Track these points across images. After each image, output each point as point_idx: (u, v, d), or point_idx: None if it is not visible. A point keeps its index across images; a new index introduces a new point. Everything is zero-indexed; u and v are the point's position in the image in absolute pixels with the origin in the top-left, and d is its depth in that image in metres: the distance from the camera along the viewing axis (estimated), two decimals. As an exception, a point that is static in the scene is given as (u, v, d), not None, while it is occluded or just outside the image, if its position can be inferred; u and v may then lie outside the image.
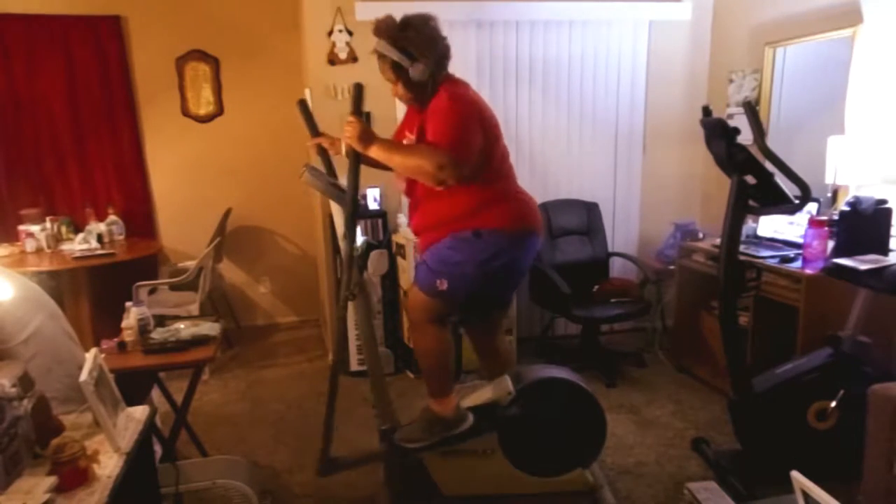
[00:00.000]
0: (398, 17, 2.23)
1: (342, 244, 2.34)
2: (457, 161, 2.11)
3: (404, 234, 3.83)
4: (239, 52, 4.73)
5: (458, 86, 2.26)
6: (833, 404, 2.62)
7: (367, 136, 2.19)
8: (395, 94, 2.33)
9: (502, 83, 4.17)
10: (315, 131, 2.49)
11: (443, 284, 2.26)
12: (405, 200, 3.52)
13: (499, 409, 2.45)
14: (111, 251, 4.12)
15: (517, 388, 2.48)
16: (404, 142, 2.40)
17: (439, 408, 2.38)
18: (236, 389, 3.93)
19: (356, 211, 2.29)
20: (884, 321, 2.83)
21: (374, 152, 2.20)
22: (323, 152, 2.49)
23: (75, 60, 4.43)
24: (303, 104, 2.42)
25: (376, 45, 2.22)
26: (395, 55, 2.18)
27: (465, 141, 2.14)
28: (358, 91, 2.18)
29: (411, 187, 2.38)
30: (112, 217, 4.46)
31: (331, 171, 2.48)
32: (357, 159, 2.24)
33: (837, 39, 3.41)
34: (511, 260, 2.32)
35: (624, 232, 4.56)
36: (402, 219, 3.92)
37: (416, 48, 2.17)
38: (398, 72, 2.22)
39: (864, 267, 2.48)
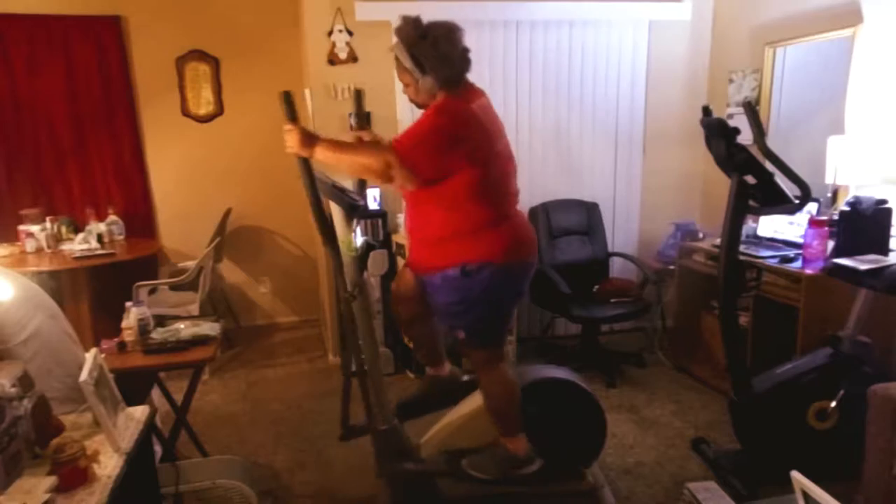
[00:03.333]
0: (417, 16, 2.16)
1: (342, 245, 2.33)
2: (405, 164, 2.04)
3: (404, 233, 3.82)
4: (239, 52, 4.73)
5: (457, 99, 2.15)
6: (833, 404, 2.62)
7: (309, 140, 2.11)
8: (406, 94, 2.29)
9: (502, 83, 4.17)
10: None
11: (461, 334, 2.26)
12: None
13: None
14: (111, 251, 4.12)
15: (517, 389, 2.48)
16: None
17: (512, 446, 2.34)
18: (236, 389, 3.93)
19: (324, 219, 2.25)
20: (884, 321, 2.83)
21: (320, 154, 2.12)
22: None
23: (75, 60, 4.43)
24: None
25: (394, 46, 2.18)
26: (407, 63, 2.14)
27: (420, 148, 2.07)
28: (288, 98, 2.10)
29: (406, 192, 2.31)
30: (112, 217, 4.45)
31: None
32: (307, 166, 2.19)
33: (837, 39, 3.41)
34: (506, 290, 2.25)
35: (624, 232, 4.56)
36: (402, 219, 3.91)
37: (427, 62, 2.11)
38: (409, 77, 2.18)
39: (864, 267, 2.48)
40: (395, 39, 2.18)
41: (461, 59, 2.17)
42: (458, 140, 2.08)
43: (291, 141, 2.11)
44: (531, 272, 2.31)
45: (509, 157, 2.29)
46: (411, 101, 2.29)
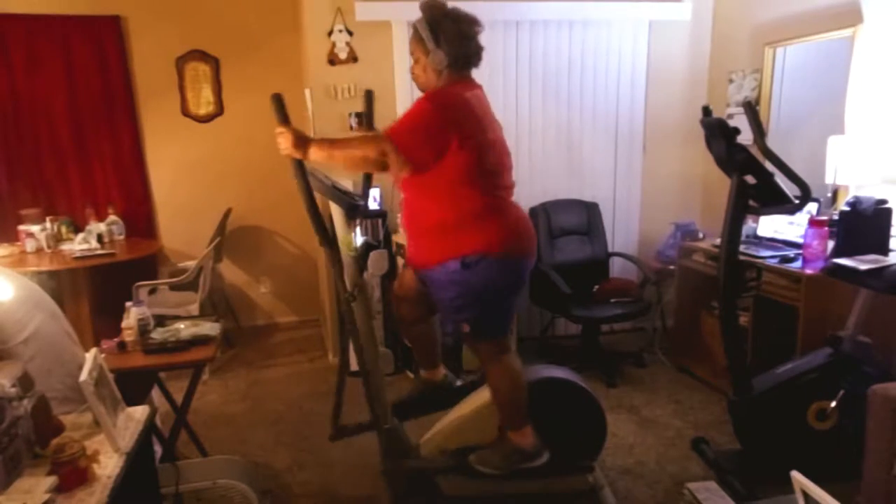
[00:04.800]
0: (415, 13, 2.21)
1: (342, 245, 2.34)
2: (399, 150, 2.07)
3: (402, 230, 3.82)
4: (239, 52, 4.73)
5: (454, 86, 2.20)
6: (833, 404, 2.62)
7: (302, 141, 2.13)
8: (411, 72, 2.31)
9: (502, 83, 4.17)
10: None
11: (465, 328, 2.26)
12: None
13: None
14: (111, 251, 4.12)
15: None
16: None
17: (518, 439, 2.34)
18: (236, 389, 3.93)
19: (320, 220, 2.25)
20: (884, 321, 2.83)
21: (314, 154, 2.14)
22: None
23: (75, 60, 4.43)
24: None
25: (416, 19, 2.20)
26: (424, 33, 2.16)
27: (413, 134, 2.10)
28: (279, 101, 2.12)
29: (401, 182, 2.32)
30: (112, 217, 4.45)
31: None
32: (301, 167, 2.20)
33: (837, 39, 3.41)
34: (506, 282, 2.27)
35: (624, 232, 4.56)
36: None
37: (445, 37, 2.15)
38: (421, 50, 2.20)
39: (864, 267, 2.48)
40: (414, 7, 2.21)
41: (474, 47, 2.23)
42: (449, 123, 2.11)
43: (284, 143, 2.13)
44: (531, 263, 2.33)
45: (505, 150, 2.31)
46: (414, 80, 2.31)
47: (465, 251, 2.17)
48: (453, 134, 2.10)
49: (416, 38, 2.21)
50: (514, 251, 2.24)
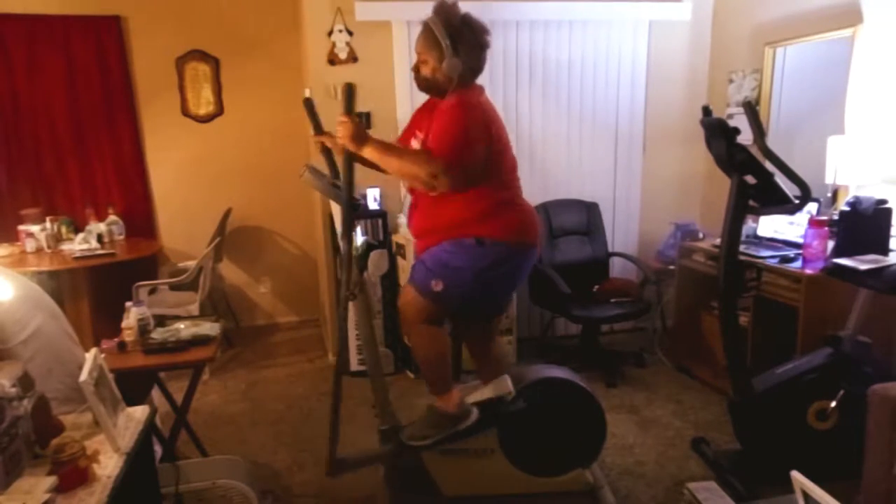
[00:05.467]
0: (426, 13, 2.23)
1: (342, 244, 2.33)
2: (450, 171, 2.11)
3: (404, 234, 3.83)
4: (239, 52, 4.72)
5: (472, 93, 2.24)
6: (833, 404, 2.62)
7: (361, 136, 2.17)
8: (414, 72, 2.30)
9: (502, 83, 4.17)
10: (319, 129, 2.46)
11: (438, 285, 2.25)
12: (406, 201, 3.51)
13: (499, 408, 2.46)
14: (111, 251, 4.12)
15: (517, 388, 2.48)
16: (413, 142, 2.39)
17: (443, 404, 2.37)
18: (236, 389, 3.93)
19: (352, 211, 2.27)
20: (884, 321, 2.83)
21: (369, 153, 2.18)
22: (326, 151, 2.47)
23: (75, 60, 4.43)
24: (308, 102, 2.39)
25: (429, 19, 2.20)
26: (444, 40, 2.16)
27: (463, 152, 2.13)
28: (349, 90, 2.14)
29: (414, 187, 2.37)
30: (112, 217, 4.45)
31: (334, 170, 2.46)
32: (350, 159, 2.22)
33: (837, 39, 3.41)
34: (509, 270, 2.31)
35: (624, 232, 4.56)
36: (402, 219, 3.92)
37: (462, 45, 2.18)
38: (434, 55, 2.20)
39: (864, 267, 2.48)
40: (432, 14, 2.22)
41: (485, 58, 2.30)
42: (487, 129, 2.18)
43: (343, 132, 2.16)
44: (534, 256, 2.39)
45: (510, 149, 2.38)
46: (417, 79, 2.31)
47: (480, 233, 2.24)
48: (488, 138, 2.18)
49: (431, 42, 2.20)
50: (525, 241, 2.32)
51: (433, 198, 2.27)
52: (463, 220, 2.24)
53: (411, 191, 2.43)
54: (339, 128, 2.17)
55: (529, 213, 2.37)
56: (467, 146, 2.14)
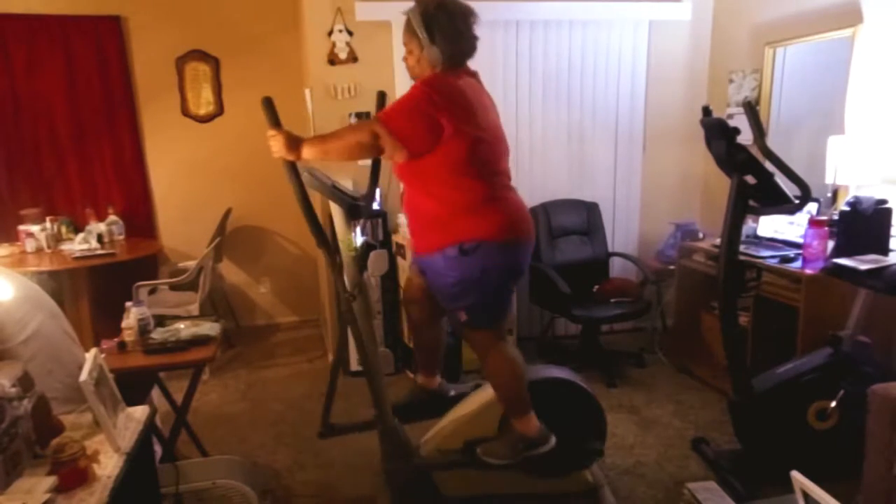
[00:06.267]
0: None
1: (342, 245, 2.34)
2: (391, 132, 2.07)
3: (404, 234, 3.83)
4: (239, 52, 4.72)
5: (448, 74, 2.18)
6: (833, 404, 2.62)
7: (294, 142, 2.13)
8: (405, 62, 2.29)
9: (502, 83, 4.16)
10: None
11: (463, 316, 2.26)
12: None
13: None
14: (111, 251, 4.12)
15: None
16: None
17: (522, 427, 2.34)
18: (236, 389, 3.93)
19: (315, 221, 2.25)
20: (884, 321, 2.83)
21: (307, 153, 2.14)
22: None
23: (75, 60, 4.43)
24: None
25: (408, 10, 2.18)
26: (419, 28, 2.14)
27: (404, 115, 2.10)
28: (268, 104, 2.11)
29: (399, 172, 2.32)
30: (112, 217, 4.45)
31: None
32: (295, 170, 2.20)
33: (837, 39, 3.41)
34: (505, 269, 2.27)
35: (624, 232, 4.56)
36: (402, 219, 3.92)
37: (439, 32, 2.13)
38: (415, 43, 2.19)
39: (864, 267, 2.48)
40: (411, 4, 2.19)
41: (470, 42, 2.21)
42: (441, 106, 2.09)
43: (277, 146, 2.13)
44: (529, 251, 2.33)
45: (499, 137, 2.30)
46: (408, 69, 2.30)
47: (462, 238, 2.17)
48: (446, 119, 2.09)
49: (410, 32, 2.20)
50: (512, 238, 2.23)
51: (414, 189, 2.26)
52: (445, 215, 2.19)
53: (398, 176, 2.37)
54: (270, 143, 2.14)
55: (516, 208, 2.27)
56: (411, 111, 2.09)
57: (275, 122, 2.13)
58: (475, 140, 2.16)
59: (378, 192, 3.91)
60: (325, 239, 2.31)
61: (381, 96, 2.43)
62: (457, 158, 2.14)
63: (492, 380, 2.38)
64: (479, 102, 2.23)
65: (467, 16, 2.19)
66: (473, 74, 2.29)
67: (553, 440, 2.36)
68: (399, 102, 2.16)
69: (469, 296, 2.23)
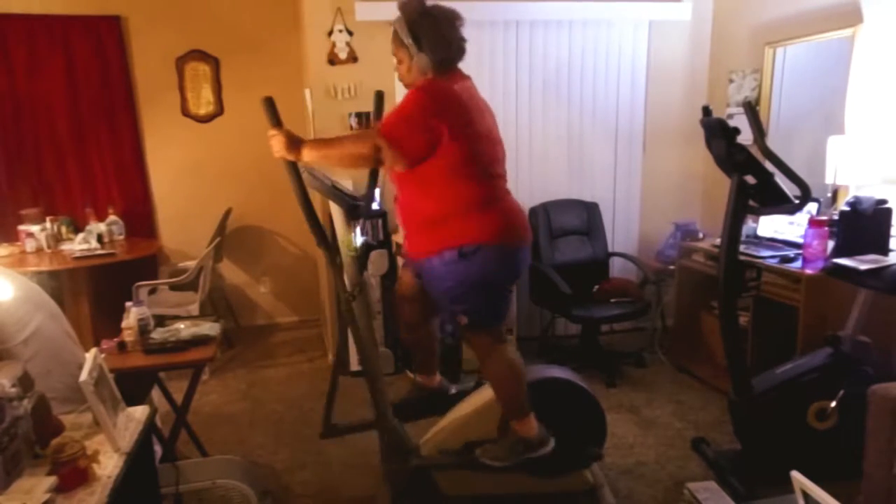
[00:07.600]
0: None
1: (342, 245, 2.34)
2: (393, 144, 2.07)
3: (401, 228, 3.82)
4: (239, 52, 4.73)
5: (441, 80, 2.18)
6: (833, 404, 2.62)
7: (295, 143, 2.13)
8: (397, 71, 2.29)
9: (502, 83, 4.16)
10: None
11: (463, 319, 2.26)
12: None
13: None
14: (111, 251, 4.12)
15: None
16: None
17: (521, 429, 2.34)
18: (236, 389, 3.93)
19: (316, 221, 2.25)
20: (884, 321, 2.83)
21: (307, 155, 2.14)
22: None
23: (75, 60, 4.43)
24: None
25: (395, 20, 2.18)
26: (406, 38, 2.15)
27: (402, 125, 2.10)
28: (269, 104, 2.11)
29: (395, 176, 2.31)
30: (112, 217, 4.45)
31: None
32: (295, 169, 2.20)
33: (837, 39, 3.41)
34: (504, 271, 2.27)
35: (624, 232, 4.56)
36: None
37: (426, 40, 2.14)
38: (404, 52, 2.19)
39: (864, 267, 2.48)
40: (396, 13, 2.19)
41: (458, 46, 2.22)
42: (439, 112, 2.10)
43: (277, 146, 2.13)
44: (526, 254, 2.34)
45: (496, 140, 2.29)
46: (400, 80, 2.30)
47: (461, 241, 2.17)
48: (443, 124, 2.09)
49: (397, 41, 2.19)
50: (510, 241, 2.23)
51: (410, 193, 2.26)
52: (441, 215, 2.19)
53: (392, 179, 2.36)
54: (271, 143, 2.14)
55: (514, 212, 2.27)
56: (409, 120, 2.10)
57: (275, 121, 2.13)
58: (471, 143, 2.17)
59: (378, 192, 3.94)
60: (326, 238, 2.31)
61: (379, 96, 2.43)
62: (455, 161, 2.14)
63: (491, 382, 2.38)
64: (474, 106, 2.23)
65: (453, 20, 2.20)
66: (467, 78, 2.29)
67: (552, 443, 2.36)
68: (398, 112, 2.15)
69: (469, 299, 2.23)
